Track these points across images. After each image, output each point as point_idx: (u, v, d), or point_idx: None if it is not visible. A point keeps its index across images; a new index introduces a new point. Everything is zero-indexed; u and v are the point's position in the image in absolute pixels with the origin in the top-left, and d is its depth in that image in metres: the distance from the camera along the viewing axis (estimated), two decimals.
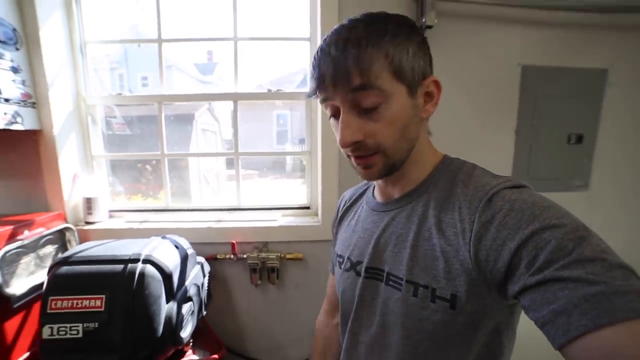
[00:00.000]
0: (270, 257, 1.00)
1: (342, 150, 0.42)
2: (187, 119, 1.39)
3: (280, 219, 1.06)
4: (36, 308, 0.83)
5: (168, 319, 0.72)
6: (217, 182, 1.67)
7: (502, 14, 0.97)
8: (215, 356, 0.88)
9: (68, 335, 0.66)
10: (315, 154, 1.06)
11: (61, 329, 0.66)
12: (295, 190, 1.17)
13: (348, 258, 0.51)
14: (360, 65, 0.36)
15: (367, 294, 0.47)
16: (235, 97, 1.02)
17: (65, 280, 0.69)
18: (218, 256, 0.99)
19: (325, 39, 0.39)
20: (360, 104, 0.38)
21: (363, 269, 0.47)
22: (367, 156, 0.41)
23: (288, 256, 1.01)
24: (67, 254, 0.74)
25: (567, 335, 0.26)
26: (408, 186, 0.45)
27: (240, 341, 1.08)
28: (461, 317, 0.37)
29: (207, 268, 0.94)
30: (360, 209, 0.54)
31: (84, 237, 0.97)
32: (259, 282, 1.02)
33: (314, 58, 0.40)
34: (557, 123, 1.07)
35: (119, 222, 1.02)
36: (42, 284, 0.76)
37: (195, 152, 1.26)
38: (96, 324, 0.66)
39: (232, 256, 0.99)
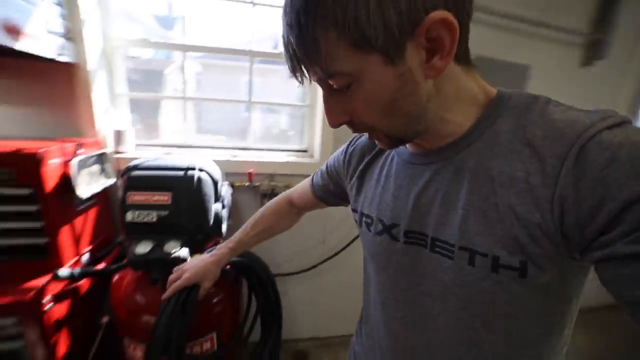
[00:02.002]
0: (278, 185, 1.31)
1: None
2: (155, 75, 1.49)
3: (285, 158, 1.37)
4: (92, 212, 1.03)
5: (216, 214, 1.00)
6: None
7: None
8: None
9: (145, 219, 0.90)
10: (314, 107, 1.37)
11: (139, 214, 0.90)
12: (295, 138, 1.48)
13: (379, 219, 0.46)
14: (308, 54, 0.31)
15: (407, 261, 0.43)
16: (251, 54, 1.27)
17: (138, 181, 0.92)
18: (235, 184, 1.27)
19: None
20: (333, 86, 0.34)
21: (402, 233, 0.43)
22: (370, 132, 0.38)
23: (292, 185, 1.33)
24: (133, 164, 0.96)
25: None
26: (450, 136, 0.38)
27: None
28: (532, 287, 0.33)
29: (230, 189, 1.21)
30: (388, 160, 0.48)
31: (117, 164, 1.16)
32: None
33: None
34: None
35: (145, 154, 1.22)
36: (97, 193, 0.98)
37: (215, 98, 1.44)
38: (166, 212, 0.91)
39: (247, 183, 1.28)
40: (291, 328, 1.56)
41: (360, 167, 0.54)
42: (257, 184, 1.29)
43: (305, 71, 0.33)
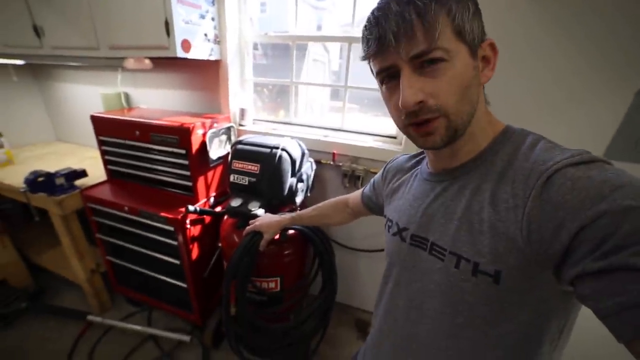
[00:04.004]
0: (358, 168, 1.44)
1: (401, 119, 0.45)
2: (300, 47, 1.71)
3: (370, 142, 1.47)
4: (219, 169, 1.52)
5: (290, 186, 1.27)
6: (320, 109, 2.14)
7: None
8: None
9: (241, 182, 1.27)
10: None
11: (237, 177, 1.28)
12: (388, 124, 1.54)
13: (396, 223, 0.58)
14: (425, 21, 0.38)
15: (410, 260, 0.53)
16: (350, 40, 1.38)
17: (240, 152, 1.29)
18: (322, 161, 1.50)
19: None
20: (424, 62, 0.40)
21: (409, 236, 0.53)
22: (428, 123, 0.42)
23: (372, 170, 1.44)
24: (239, 139, 1.35)
25: (638, 331, 0.27)
26: (462, 158, 0.47)
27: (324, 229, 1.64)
28: (505, 293, 0.39)
29: (314, 166, 1.46)
30: (413, 177, 0.60)
31: (238, 134, 1.61)
32: (347, 185, 1.50)
33: (369, 18, 0.42)
34: None
35: (259, 127, 1.61)
36: (223, 156, 1.42)
37: (317, 83, 1.71)
38: (254, 179, 1.25)
39: (331, 162, 1.48)
40: (359, 298, 1.76)
41: (393, 181, 0.67)
42: (339, 163, 1.47)
43: (399, 45, 0.40)
